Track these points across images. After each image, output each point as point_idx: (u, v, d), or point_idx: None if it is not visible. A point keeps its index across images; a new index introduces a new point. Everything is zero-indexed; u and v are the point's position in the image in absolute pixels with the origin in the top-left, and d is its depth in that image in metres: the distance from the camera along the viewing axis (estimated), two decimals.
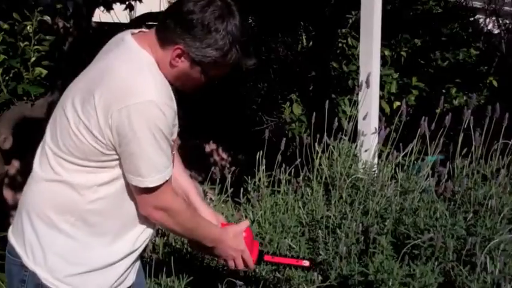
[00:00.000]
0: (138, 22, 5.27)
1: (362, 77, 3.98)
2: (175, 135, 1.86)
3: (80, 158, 1.77)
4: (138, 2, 4.92)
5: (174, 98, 1.80)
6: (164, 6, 8.57)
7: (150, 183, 1.77)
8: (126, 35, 1.85)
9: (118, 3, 4.93)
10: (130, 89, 1.72)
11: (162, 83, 1.78)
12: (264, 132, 5.74)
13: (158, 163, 1.77)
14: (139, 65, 1.78)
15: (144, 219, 1.88)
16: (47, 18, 3.80)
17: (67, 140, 1.77)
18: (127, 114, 1.69)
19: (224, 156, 7.31)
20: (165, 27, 1.81)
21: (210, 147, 7.24)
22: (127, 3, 4.90)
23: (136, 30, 1.91)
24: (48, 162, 1.81)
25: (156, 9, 7.85)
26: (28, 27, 3.57)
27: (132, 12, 5.55)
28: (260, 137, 5.81)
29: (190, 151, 7.02)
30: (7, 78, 3.78)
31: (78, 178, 1.79)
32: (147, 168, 1.75)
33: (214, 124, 6.80)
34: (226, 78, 5.79)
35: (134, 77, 1.74)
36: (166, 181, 1.80)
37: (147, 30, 1.90)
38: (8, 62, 3.68)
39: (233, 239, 2.04)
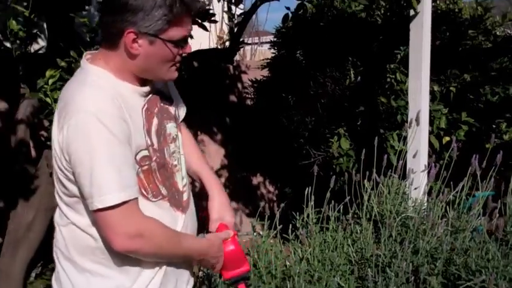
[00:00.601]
0: (189, 60, 5.40)
1: (411, 115, 3.98)
2: (140, 147, 1.73)
3: (70, 197, 1.73)
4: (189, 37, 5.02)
5: (124, 107, 1.70)
6: (213, 41, 8.74)
7: (100, 203, 1.62)
8: (82, 59, 1.81)
9: None
10: (69, 107, 1.66)
11: (105, 93, 1.69)
12: (311, 166, 5.80)
13: (107, 179, 1.62)
14: (83, 81, 1.72)
15: None
16: None
17: (58, 184, 1.76)
18: (67, 132, 1.63)
19: (271, 189, 7.34)
20: (105, 26, 1.74)
21: (257, 179, 7.28)
22: None
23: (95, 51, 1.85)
24: (60, 208, 1.81)
25: (205, 44, 8.03)
26: None
27: None
28: (307, 170, 5.83)
29: (237, 183, 7.08)
30: None
31: (79, 218, 1.75)
32: (95, 185, 1.62)
33: (261, 157, 6.85)
34: (274, 111, 5.80)
35: (74, 95, 1.68)
36: (129, 201, 1.65)
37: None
38: None
39: (216, 248, 1.91)
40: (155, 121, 1.81)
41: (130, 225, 1.65)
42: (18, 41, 4.24)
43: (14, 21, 4.12)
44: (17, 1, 4.42)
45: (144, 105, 1.79)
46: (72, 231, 1.77)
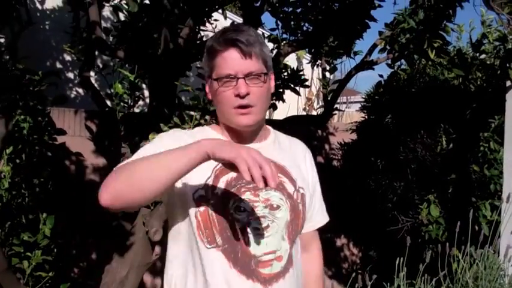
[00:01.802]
0: (283, 123, 5.51)
1: (508, 189, 3.91)
2: (199, 181, 1.79)
3: None
4: (281, 101, 5.15)
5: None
6: (302, 102, 8.87)
7: None
8: None
9: None
10: None
11: (184, 132, 1.94)
12: (397, 231, 5.73)
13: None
14: None
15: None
16: (202, 121, 4.05)
17: None
18: None
19: (355, 251, 7.27)
20: None
21: (341, 241, 7.24)
22: (271, 102, 5.15)
23: None
24: None
25: (294, 105, 8.17)
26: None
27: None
28: (392, 235, 5.77)
29: (321, 244, 7.06)
30: None
31: None
32: None
33: (346, 219, 6.82)
34: (361, 174, 5.79)
35: None
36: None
37: None
38: None
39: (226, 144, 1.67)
40: (233, 173, 1.79)
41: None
42: (122, 103, 4.45)
43: (119, 85, 4.34)
44: (122, 66, 4.69)
45: None
46: None
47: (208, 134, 1.90)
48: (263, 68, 1.85)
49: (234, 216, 1.78)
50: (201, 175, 1.77)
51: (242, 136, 1.90)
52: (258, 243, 1.79)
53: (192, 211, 1.78)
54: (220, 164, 1.71)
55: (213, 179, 1.79)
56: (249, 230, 1.79)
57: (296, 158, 2.02)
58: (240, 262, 1.77)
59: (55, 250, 4.26)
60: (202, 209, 1.77)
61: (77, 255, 5.15)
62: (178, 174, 1.62)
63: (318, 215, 2.09)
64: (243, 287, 1.77)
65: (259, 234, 1.79)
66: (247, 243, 1.78)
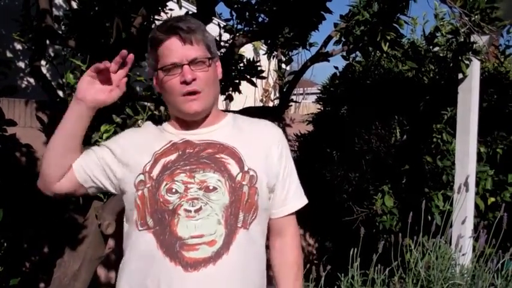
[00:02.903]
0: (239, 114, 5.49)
1: (459, 179, 3.97)
2: (139, 165, 1.88)
3: None
4: (237, 92, 5.11)
5: (143, 135, 1.97)
6: (259, 95, 8.85)
7: None
8: None
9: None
10: None
11: (133, 130, 2.11)
12: (352, 221, 5.77)
13: None
14: None
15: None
16: (156, 112, 3.99)
17: None
18: None
19: (311, 241, 7.31)
20: None
21: None
22: (227, 94, 5.10)
23: None
24: None
25: (251, 98, 8.14)
26: (139, 121, 3.78)
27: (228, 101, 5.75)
28: (348, 225, 5.81)
29: None
30: None
31: None
32: None
33: (302, 209, 6.84)
34: (317, 165, 5.80)
35: None
36: None
37: None
38: None
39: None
40: (172, 157, 1.85)
41: None
42: (73, 94, 4.36)
43: (71, 75, 4.24)
44: (74, 55, 4.58)
45: (175, 141, 1.89)
46: None
47: (165, 127, 1.97)
48: (207, 53, 1.88)
49: (166, 198, 1.80)
50: (142, 161, 1.85)
51: (190, 124, 1.91)
52: (186, 225, 1.78)
53: (133, 197, 1.84)
54: (161, 148, 1.87)
55: (152, 163, 1.85)
56: (179, 212, 1.79)
57: (258, 141, 1.95)
58: (166, 243, 1.77)
59: (4, 244, 4.17)
60: (139, 193, 1.83)
61: (28, 249, 5.04)
62: (70, 130, 1.92)
63: (293, 199, 2.04)
64: (164, 269, 1.76)
65: (189, 216, 1.78)
66: (176, 225, 1.78)
